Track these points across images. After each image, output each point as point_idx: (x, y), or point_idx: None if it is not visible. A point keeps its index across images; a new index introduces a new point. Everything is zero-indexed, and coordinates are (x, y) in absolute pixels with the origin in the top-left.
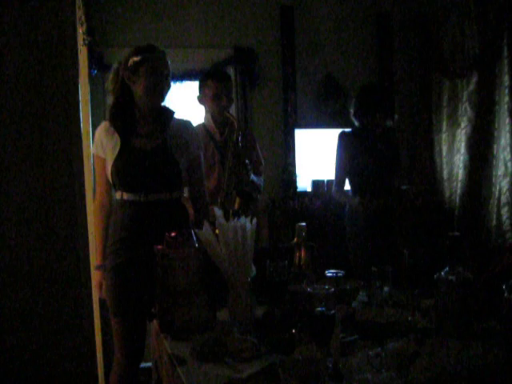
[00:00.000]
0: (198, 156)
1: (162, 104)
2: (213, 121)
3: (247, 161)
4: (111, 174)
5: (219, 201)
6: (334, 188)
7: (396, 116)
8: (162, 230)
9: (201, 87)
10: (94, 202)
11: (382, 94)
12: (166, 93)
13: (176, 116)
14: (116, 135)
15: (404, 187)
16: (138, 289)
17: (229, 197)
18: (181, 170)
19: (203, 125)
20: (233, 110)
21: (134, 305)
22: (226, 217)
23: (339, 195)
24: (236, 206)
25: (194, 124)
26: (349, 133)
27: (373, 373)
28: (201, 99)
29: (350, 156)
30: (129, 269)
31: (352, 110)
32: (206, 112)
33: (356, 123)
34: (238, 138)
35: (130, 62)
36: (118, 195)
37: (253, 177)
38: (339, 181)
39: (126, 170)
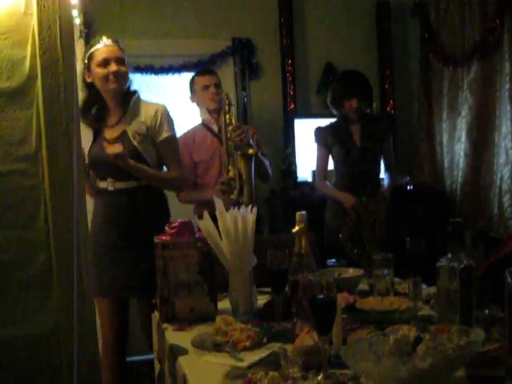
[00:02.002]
0: (165, 140)
1: (132, 89)
2: (208, 113)
3: (242, 125)
4: (87, 163)
5: (223, 167)
6: (316, 181)
7: (374, 104)
8: (132, 217)
9: (191, 87)
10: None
11: (353, 79)
12: (124, 79)
13: (148, 100)
14: (90, 128)
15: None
16: (112, 273)
17: (231, 160)
18: (143, 157)
19: (201, 123)
20: (232, 100)
21: (110, 288)
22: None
23: (320, 187)
24: (240, 165)
25: (192, 119)
26: (324, 127)
27: (375, 360)
28: (193, 97)
29: (326, 150)
30: (105, 253)
31: (329, 99)
32: (201, 108)
33: (334, 112)
34: (229, 108)
35: (85, 60)
36: (96, 184)
37: (260, 156)
38: (320, 175)
39: (93, 160)
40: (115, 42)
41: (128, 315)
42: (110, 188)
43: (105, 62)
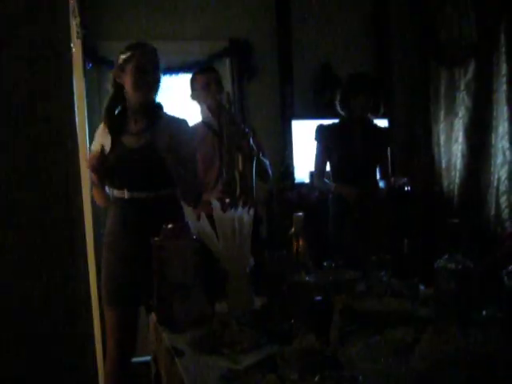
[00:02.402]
0: (189, 152)
1: (157, 101)
2: (208, 111)
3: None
4: (104, 171)
5: (223, 168)
6: (315, 179)
7: (382, 109)
8: (149, 227)
9: (191, 85)
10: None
11: (362, 78)
12: (156, 89)
13: (170, 113)
14: (109, 135)
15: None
16: (129, 281)
17: (231, 160)
18: (167, 169)
19: (201, 121)
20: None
21: (126, 295)
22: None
23: (319, 184)
24: (240, 166)
25: (192, 120)
26: (326, 126)
27: (372, 361)
28: (193, 95)
29: (326, 148)
30: (120, 262)
31: (337, 99)
32: (201, 106)
33: (340, 112)
34: (230, 106)
35: (120, 60)
36: (110, 192)
37: (261, 157)
38: (318, 172)
39: (112, 168)
40: (155, 49)
41: (137, 325)
42: (127, 196)
43: (143, 69)
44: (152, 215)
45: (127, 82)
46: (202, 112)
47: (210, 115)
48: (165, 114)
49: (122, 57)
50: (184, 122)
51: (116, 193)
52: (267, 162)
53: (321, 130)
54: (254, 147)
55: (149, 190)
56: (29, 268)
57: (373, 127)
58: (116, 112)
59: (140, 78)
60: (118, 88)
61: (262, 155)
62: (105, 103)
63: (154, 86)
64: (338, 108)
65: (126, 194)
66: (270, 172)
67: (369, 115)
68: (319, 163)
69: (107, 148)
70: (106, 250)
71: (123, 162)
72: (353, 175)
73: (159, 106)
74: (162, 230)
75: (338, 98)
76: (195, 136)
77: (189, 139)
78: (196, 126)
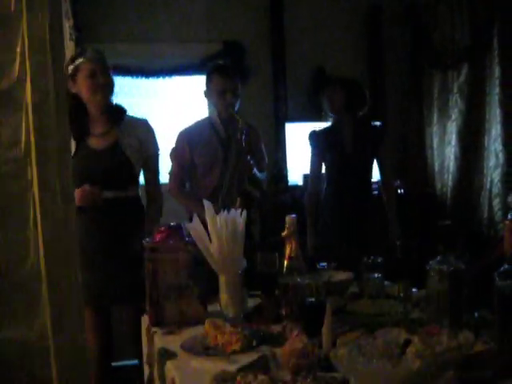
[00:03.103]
0: (152, 155)
1: (116, 102)
2: (218, 117)
3: (249, 157)
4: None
5: (220, 198)
6: (310, 186)
7: (366, 107)
8: (117, 226)
9: (207, 82)
10: None
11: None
12: (109, 90)
13: (131, 114)
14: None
15: None
16: (97, 281)
17: (230, 195)
18: (133, 168)
19: (208, 118)
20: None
21: (95, 295)
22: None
23: (311, 197)
24: (237, 204)
25: (190, 118)
26: (318, 131)
27: (364, 363)
28: (207, 94)
29: (320, 154)
30: (87, 262)
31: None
32: (212, 107)
33: (330, 118)
34: (241, 137)
35: (69, 71)
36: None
37: (255, 171)
38: (313, 183)
39: (79, 170)
40: (100, 53)
41: (111, 325)
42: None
43: (92, 74)
44: (119, 215)
45: (81, 90)
46: (212, 114)
47: (218, 121)
48: (127, 115)
49: (70, 67)
50: (146, 121)
51: None
52: (263, 176)
53: (314, 135)
54: (255, 193)
55: (116, 190)
56: None
57: (364, 126)
58: (77, 116)
59: (92, 83)
60: (74, 98)
61: (262, 169)
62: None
63: (107, 87)
64: (327, 114)
65: None
66: (265, 185)
67: (358, 115)
68: (315, 171)
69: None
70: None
71: (90, 164)
72: (347, 177)
73: (121, 108)
74: (153, 232)
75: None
76: (198, 135)
77: (151, 139)
78: (202, 124)
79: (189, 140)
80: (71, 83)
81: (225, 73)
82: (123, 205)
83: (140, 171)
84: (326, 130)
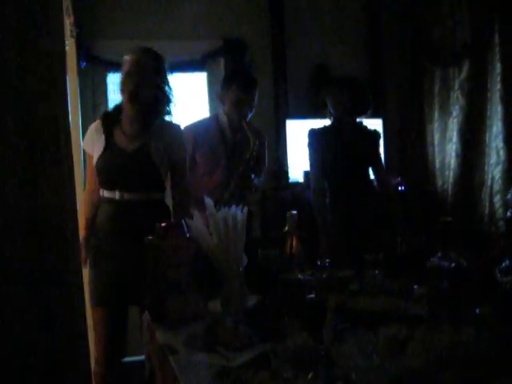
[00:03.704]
0: (180, 160)
1: (154, 106)
2: (228, 123)
3: (252, 176)
4: (96, 170)
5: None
6: (313, 185)
7: (369, 110)
8: (139, 228)
9: (224, 87)
10: (83, 194)
11: (338, 80)
12: (147, 93)
13: (166, 118)
14: (103, 134)
15: None
16: (117, 281)
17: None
18: (160, 173)
19: (217, 119)
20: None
21: (114, 296)
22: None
23: (316, 196)
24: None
25: (189, 116)
26: (317, 129)
27: (365, 359)
28: (222, 99)
29: (319, 152)
30: (108, 262)
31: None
32: (223, 109)
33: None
34: (249, 159)
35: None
36: (100, 192)
37: (255, 184)
38: (315, 178)
39: (104, 169)
40: (147, 51)
41: (127, 325)
42: (117, 197)
43: (128, 72)
44: (141, 217)
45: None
46: (223, 115)
47: (227, 127)
48: (160, 118)
49: (123, 61)
50: (178, 127)
51: (106, 193)
52: (259, 181)
53: (312, 134)
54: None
55: (140, 193)
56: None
57: (362, 129)
58: (111, 113)
59: (126, 80)
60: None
61: (260, 173)
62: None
63: (139, 88)
64: (329, 113)
65: (117, 195)
66: (257, 188)
67: (357, 117)
68: (315, 168)
69: (98, 146)
70: (94, 251)
71: (116, 164)
72: (346, 176)
73: (155, 111)
74: (155, 228)
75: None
76: (204, 131)
77: (181, 145)
78: (210, 125)
79: (194, 136)
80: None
81: (246, 86)
82: (145, 208)
83: (167, 175)
84: (325, 129)
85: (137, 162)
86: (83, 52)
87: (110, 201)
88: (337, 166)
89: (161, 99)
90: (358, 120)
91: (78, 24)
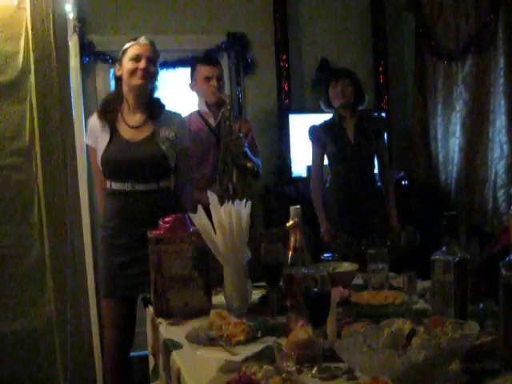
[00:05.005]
0: (185, 149)
1: (155, 96)
2: (206, 105)
3: (241, 134)
4: (101, 163)
5: (217, 177)
6: (312, 179)
7: (366, 97)
8: (151, 218)
9: (192, 74)
10: (96, 187)
11: (336, 69)
12: (149, 77)
13: (167, 108)
14: (107, 126)
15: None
16: (129, 273)
17: (226, 171)
18: (168, 161)
19: (197, 111)
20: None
21: (126, 287)
22: (222, 200)
23: (314, 190)
24: (234, 179)
25: (188, 112)
26: (319, 125)
27: (369, 353)
28: (193, 85)
29: (321, 148)
30: (119, 254)
31: (321, 102)
32: (200, 97)
33: (329, 112)
34: (230, 113)
35: (120, 55)
36: (107, 184)
37: (249, 153)
38: (315, 173)
39: (113, 161)
40: (151, 42)
41: (135, 315)
42: (128, 189)
43: (136, 58)
44: (152, 207)
45: (124, 72)
46: (200, 104)
47: (207, 109)
48: (163, 108)
49: (121, 52)
50: (180, 116)
51: (115, 185)
52: (259, 161)
53: (314, 129)
54: (253, 159)
55: (151, 182)
56: None
57: (365, 117)
58: (110, 104)
59: (133, 65)
60: (119, 82)
61: (255, 154)
62: (104, 97)
63: (147, 73)
64: (326, 108)
65: (127, 187)
66: (261, 170)
67: (358, 108)
68: (316, 164)
69: (102, 138)
70: (104, 243)
71: (125, 156)
72: (351, 169)
73: (158, 101)
74: (159, 222)
75: (322, 99)
76: (189, 127)
77: (186, 133)
78: (191, 117)
79: None
80: (118, 67)
81: (208, 61)
82: (155, 197)
83: (174, 164)
84: (326, 122)
85: (146, 153)
86: (86, 48)
87: (121, 192)
88: (342, 158)
89: (156, 90)
90: (359, 109)
91: (80, 19)
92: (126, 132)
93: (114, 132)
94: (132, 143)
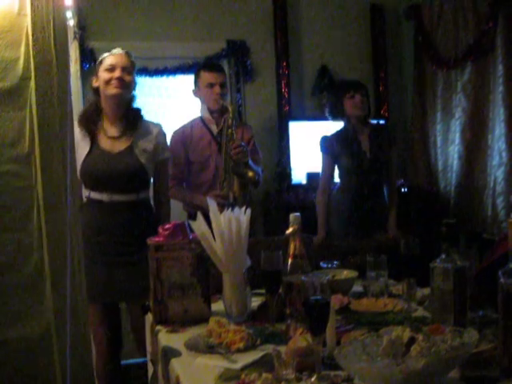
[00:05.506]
0: (164, 160)
1: (135, 107)
2: (208, 111)
3: (243, 143)
4: (80, 174)
5: (219, 183)
6: (318, 190)
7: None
8: (127, 229)
9: (195, 80)
10: None
11: (350, 80)
12: (125, 87)
13: (146, 118)
14: (87, 136)
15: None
16: (106, 277)
17: (227, 179)
18: (147, 173)
19: (200, 117)
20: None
21: (103, 293)
22: (221, 207)
23: (319, 200)
24: (235, 187)
25: (189, 119)
26: (330, 136)
27: (368, 361)
28: (196, 92)
29: (332, 159)
30: (98, 260)
31: (327, 110)
32: (202, 104)
33: (336, 121)
34: (233, 121)
35: (96, 67)
36: (86, 193)
37: (250, 162)
38: (323, 184)
39: (91, 172)
40: (126, 53)
41: (120, 321)
42: (106, 199)
43: (111, 68)
44: (129, 217)
45: (100, 82)
46: (203, 110)
47: (209, 116)
48: (142, 119)
49: (97, 63)
50: (160, 127)
51: (94, 194)
52: (259, 170)
53: (326, 140)
54: (253, 167)
55: (129, 193)
56: None
57: (377, 129)
58: (90, 114)
59: (109, 76)
60: (96, 94)
61: (256, 162)
62: (84, 107)
63: (124, 83)
64: (335, 118)
65: (105, 197)
66: (261, 179)
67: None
68: (325, 175)
69: (82, 148)
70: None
71: (104, 167)
72: (361, 186)
73: (137, 111)
74: (158, 230)
75: (329, 108)
76: (191, 133)
77: (165, 145)
78: (194, 123)
79: (182, 139)
80: (95, 78)
81: (211, 67)
82: (133, 208)
83: (151, 175)
84: (338, 133)
85: (124, 164)
86: (86, 54)
87: (97, 202)
88: (355, 170)
89: (135, 100)
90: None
91: (81, 26)
92: (105, 143)
93: (93, 142)
94: (111, 154)
